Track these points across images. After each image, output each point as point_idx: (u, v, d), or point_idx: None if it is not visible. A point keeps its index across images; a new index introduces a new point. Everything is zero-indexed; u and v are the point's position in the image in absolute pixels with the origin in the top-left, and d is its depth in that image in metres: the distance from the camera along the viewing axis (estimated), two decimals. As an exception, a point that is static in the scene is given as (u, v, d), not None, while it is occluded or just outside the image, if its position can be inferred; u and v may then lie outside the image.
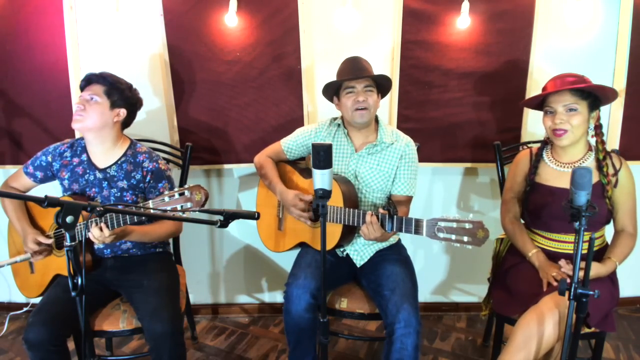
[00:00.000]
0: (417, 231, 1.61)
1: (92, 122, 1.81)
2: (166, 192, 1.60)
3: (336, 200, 1.81)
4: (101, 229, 1.60)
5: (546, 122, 1.77)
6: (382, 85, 1.96)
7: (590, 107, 1.72)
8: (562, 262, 1.73)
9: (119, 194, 1.87)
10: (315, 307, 1.80)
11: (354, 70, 1.89)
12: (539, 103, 1.83)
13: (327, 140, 2.00)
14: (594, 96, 1.72)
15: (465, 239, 1.51)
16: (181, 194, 1.56)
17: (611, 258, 1.73)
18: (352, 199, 1.87)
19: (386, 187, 1.95)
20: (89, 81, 1.86)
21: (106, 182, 1.86)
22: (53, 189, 1.92)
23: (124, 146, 1.92)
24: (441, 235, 1.54)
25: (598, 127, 1.77)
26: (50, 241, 1.88)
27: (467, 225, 1.51)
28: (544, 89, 1.79)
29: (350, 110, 1.90)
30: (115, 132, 1.89)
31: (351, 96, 1.89)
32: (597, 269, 1.67)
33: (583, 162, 1.79)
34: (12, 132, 2.42)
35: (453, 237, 1.53)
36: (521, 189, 1.92)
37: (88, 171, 1.88)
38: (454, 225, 1.52)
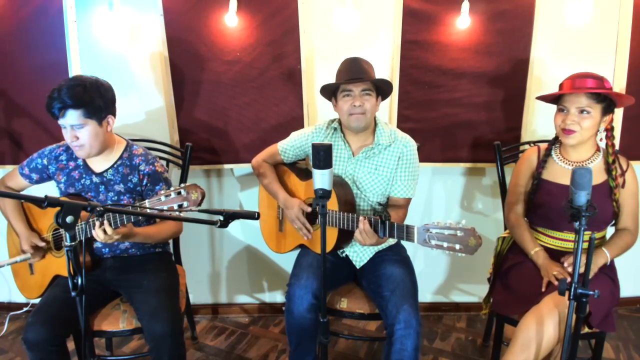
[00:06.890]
0: (409, 238, 1.59)
1: (94, 149, 1.78)
2: (162, 192, 1.58)
3: (331, 204, 1.79)
4: (105, 231, 1.59)
5: (557, 119, 1.78)
6: (382, 88, 1.90)
7: (603, 111, 1.72)
8: (564, 260, 1.72)
9: (115, 197, 1.86)
10: (317, 307, 1.79)
11: (352, 72, 1.82)
12: (555, 98, 1.82)
13: None
14: (609, 100, 1.72)
15: (457, 246, 1.49)
16: (178, 193, 1.55)
17: (602, 248, 1.74)
18: (348, 202, 1.86)
19: (385, 191, 1.93)
20: (61, 108, 1.67)
21: (103, 186, 1.85)
22: (52, 190, 1.91)
23: (119, 148, 1.89)
24: (433, 242, 1.53)
25: (609, 130, 1.78)
26: (43, 244, 1.90)
27: (458, 233, 1.49)
28: (561, 85, 1.78)
29: (346, 114, 1.86)
30: (110, 138, 1.85)
31: (348, 100, 1.84)
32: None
33: (591, 162, 1.80)
34: (12, 132, 2.41)
35: (445, 244, 1.51)
36: (528, 186, 1.92)
37: (84, 176, 1.86)
38: (446, 232, 1.50)
